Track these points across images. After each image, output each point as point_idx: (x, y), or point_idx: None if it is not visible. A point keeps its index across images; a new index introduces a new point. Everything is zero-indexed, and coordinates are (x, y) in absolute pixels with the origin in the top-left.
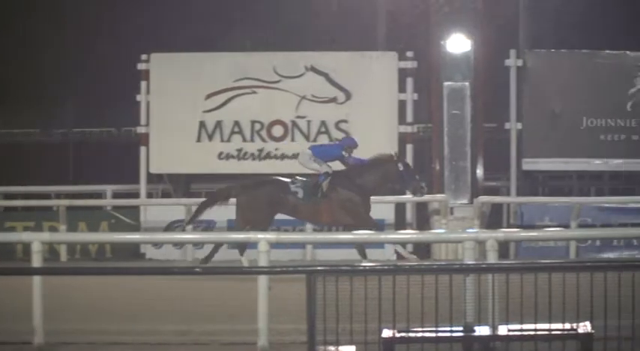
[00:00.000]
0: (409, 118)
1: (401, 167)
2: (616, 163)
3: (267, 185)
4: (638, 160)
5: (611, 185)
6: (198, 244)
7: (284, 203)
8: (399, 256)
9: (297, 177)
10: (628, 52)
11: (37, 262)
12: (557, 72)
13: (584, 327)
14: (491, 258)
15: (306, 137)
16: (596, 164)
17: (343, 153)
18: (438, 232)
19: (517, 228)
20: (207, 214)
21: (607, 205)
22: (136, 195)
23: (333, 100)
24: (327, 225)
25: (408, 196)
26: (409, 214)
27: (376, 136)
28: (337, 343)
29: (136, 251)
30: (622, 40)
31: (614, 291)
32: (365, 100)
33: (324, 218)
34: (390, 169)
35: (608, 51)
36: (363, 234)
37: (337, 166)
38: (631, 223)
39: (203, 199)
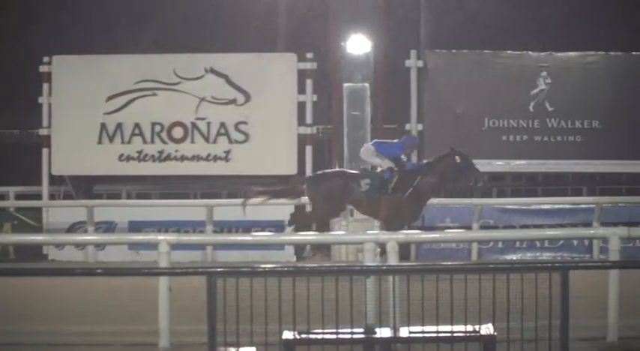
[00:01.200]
0: (309, 119)
1: (458, 159)
2: (518, 164)
3: (335, 177)
4: (540, 161)
5: (513, 186)
6: (99, 246)
7: (350, 195)
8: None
9: (366, 169)
10: (530, 52)
11: None
12: (458, 72)
13: (487, 329)
14: (392, 260)
15: (206, 139)
16: (498, 165)
17: (402, 155)
18: (338, 233)
19: (418, 229)
20: (108, 216)
21: (509, 206)
22: (39, 197)
23: (233, 101)
24: (381, 220)
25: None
26: None
27: (276, 137)
28: (238, 345)
29: (38, 252)
30: (524, 40)
31: (516, 293)
32: (264, 102)
33: (381, 214)
34: (448, 164)
35: (509, 51)
36: (262, 235)
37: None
38: (533, 224)
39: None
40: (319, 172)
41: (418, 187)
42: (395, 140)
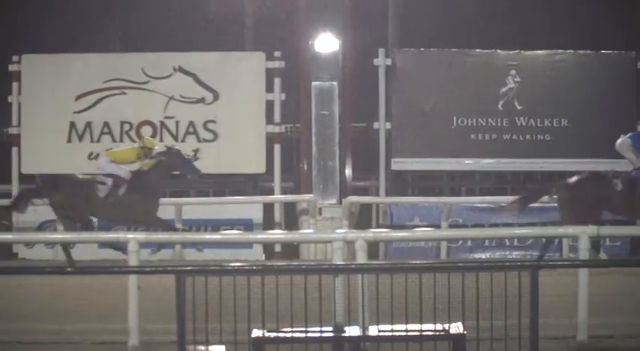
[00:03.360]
0: (277, 118)
1: None
2: (487, 163)
3: (589, 179)
4: (510, 160)
5: (482, 185)
6: (69, 244)
7: (605, 196)
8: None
9: (615, 169)
10: (499, 50)
11: None
12: (426, 71)
13: (456, 328)
14: (361, 258)
15: (175, 138)
16: (467, 164)
17: None
18: (306, 232)
19: (387, 228)
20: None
21: (478, 205)
22: (8, 195)
23: (201, 100)
24: (632, 218)
25: (276, 196)
26: (277, 214)
27: (244, 136)
28: (207, 343)
29: (8, 251)
30: (492, 38)
31: (486, 291)
32: (233, 101)
33: (634, 212)
34: None
35: (478, 50)
36: (231, 234)
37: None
38: (502, 223)
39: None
40: (573, 180)
41: None
42: None
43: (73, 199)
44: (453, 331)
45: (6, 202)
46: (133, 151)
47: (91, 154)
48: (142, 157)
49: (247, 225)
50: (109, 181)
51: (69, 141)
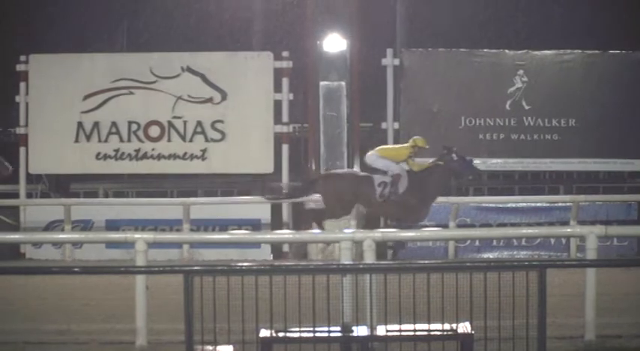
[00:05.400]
0: (285, 118)
1: None
2: (495, 163)
3: None
4: (517, 160)
5: (490, 185)
6: (76, 244)
7: None
8: None
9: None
10: (506, 50)
11: None
12: (434, 71)
13: (464, 327)
14: (369, 258)
15: (183, 138)
16: (475, 164)
17: None
18: (314, 232)
19: (394, 228)
20: (85, 214)
21: (486, 204)
22: (16, 195)
23: (209, 100)
24: None
25: None
26: (285, 214)
27: (252, 136)
28: (215, 343)
29: (16, 251)
30: (500, 38)
31: (493, 291)
32: (241, 100)
33: None
34: None
35: (486, 49)
36: (239, 233)
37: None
38: (510, 222)
39: None
40: None
41: None
42: None
43: (356, 195)
44: (460, 330)
45: (9, 202)
46: (405, 149)
47: (98, 154)
48: (412, 157)
49: (255, 225)
50: (388, 179)
51: (76, 141)
